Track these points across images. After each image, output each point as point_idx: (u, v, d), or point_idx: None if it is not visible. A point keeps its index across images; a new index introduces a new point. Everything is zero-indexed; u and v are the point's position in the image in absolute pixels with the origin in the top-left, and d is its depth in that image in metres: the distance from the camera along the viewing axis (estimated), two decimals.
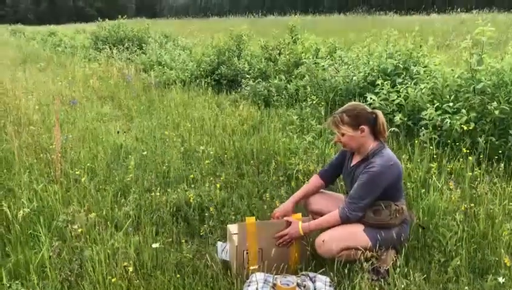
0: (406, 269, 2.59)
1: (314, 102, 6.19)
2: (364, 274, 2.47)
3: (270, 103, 7.09)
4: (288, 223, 2.79)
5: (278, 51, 8.91)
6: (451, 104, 4.59)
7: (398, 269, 2.56)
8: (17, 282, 2.63)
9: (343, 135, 2.77)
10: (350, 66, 6.63)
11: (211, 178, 4.04)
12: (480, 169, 3.80)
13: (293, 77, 7.74)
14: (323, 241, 2.67)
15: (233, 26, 11.62)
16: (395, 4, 40.65)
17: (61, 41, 19.47)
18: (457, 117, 4.40)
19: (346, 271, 2.59)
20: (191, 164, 4.49)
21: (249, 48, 10.10)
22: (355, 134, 2.74)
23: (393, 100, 5.18)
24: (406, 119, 4.92)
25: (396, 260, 2.65)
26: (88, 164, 4.33)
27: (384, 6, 36.51)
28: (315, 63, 7.36)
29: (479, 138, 4.20)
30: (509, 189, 3.49)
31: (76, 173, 4.07)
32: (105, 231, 3.05)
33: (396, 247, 2.72)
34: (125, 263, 2.69)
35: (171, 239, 3.17)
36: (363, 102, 5.17)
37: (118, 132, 5.60)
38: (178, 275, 2.70)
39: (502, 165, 3.81)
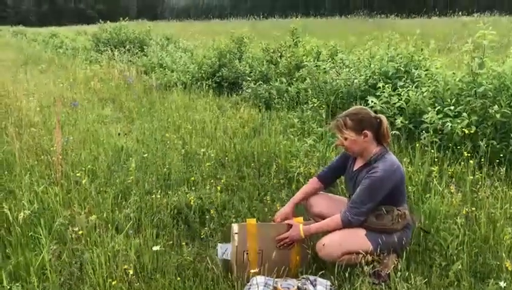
0: (407, 273, 2.58)
1: (315, 105, 6.19)
2: (365, 278, 2.46)
3: (271, 105, 7.09)
4: (289, 226, 2.78)
5: (279, 54, 8.91)
6: (452, 107, 4.59)
7: (399, 272, 2.55)
8: (17, 284, 2.62)
9: (346, 139, 2.76)
10: (351, 69, 6.63)
11: (212, 180, 4.03)
12: (481, 173, 3.80)
13: (294, 79, 7.74)
14: (323, 244, 2.66)
15: (235, 28, 11.63)
16: (397, 7, 40.67)
17: (63, 43, 19.53)
18: (459, 121, 4.39)
19: (347, 275, 2.58)
20: (191, 166, 4.49)
21: (250, 50, 10.11)
22: (358, 138, 2.73)
23: (395, 103, 5.17)
24: (407, 122, 4.91)
25: (397, 263, 2.65)
26: (89, 166, 4.32)
27: (386, 9, 36.51)
28: (316, 65, 7.36)
29: (480, 142, 4.19)
30: (510, 193, 3.47)
31: (77, 175, 4.06)
32: (106, 233, 3.04)
33: (398, 251, 2.71)
34: (126, 266, 2.69)
35: (171, 242, 3.16)
36: (364, 105, 5.17)
37: (119, 134, 5.60)
38: (178, 278, 2.70)
39: (503, 169, 3.80)
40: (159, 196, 3.68)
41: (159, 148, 4.98)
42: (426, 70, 5.82)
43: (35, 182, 3.88)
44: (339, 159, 3.07)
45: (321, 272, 2.62)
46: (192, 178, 4.10)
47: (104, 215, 3.43)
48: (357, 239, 2.64)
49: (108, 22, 18.36)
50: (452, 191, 3.41)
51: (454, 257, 2.78)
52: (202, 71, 9.27)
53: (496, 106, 4.31)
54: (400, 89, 5.31)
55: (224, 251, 2.95)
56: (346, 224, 2.65)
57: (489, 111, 4.36)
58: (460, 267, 2.65)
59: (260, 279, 2.51)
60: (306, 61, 7.49)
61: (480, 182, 3.65)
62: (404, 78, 5.72)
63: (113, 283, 2.58)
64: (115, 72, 10.40)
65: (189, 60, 10.56)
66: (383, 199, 2.64)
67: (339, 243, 2.62)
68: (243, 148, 4.85)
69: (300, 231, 2.72)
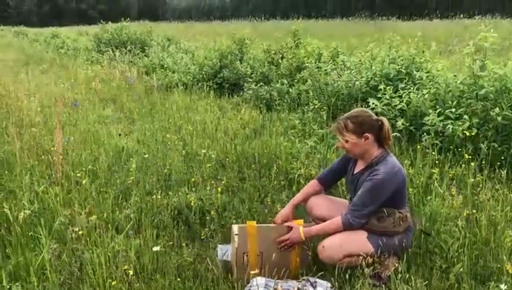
0: (407, 275, 2.57)
1: (316, 106, 6.19)
2: (366, 280, 2.46)
3: (272, 107, 7.09)
4: (290, 228, 2.78)
5: (281, 55, 8.92)
6: (453, 109, 4.58)
7: (399, 275, 2.54)
8: (17, 284, 2.62)
9: (347, 141, 2.75)
10: (352, 71, 6.63)
11: (212, 182, 4.03)
12: (482, 175, 3.79)
13: (296, 81, 7.75)
14: (323, 246, 2.66)
15: (236, 29, 11.66)
16: (398, 9, 40.70)
17: (64, 44, 19.55)
18: (460, 123, 4.39)
19: (347, 276, 2.58)
20: (192, 167, 4.49)
21: (252, 51, 10.11)
22: (359, 141, 2.72)
23: (396, 105, 5.17)
24: (408, 124, 4.91)
25: (398, 266, 2.64)
26: (89, 166, 4.32)
27: (387, 12, 36.52)
28: (317, 67, 7.37)
29: (481, 144, 4.19)
30: (511, 195, 3.47)
31: (78, 175, 4.06)
32: (106, 233, 3.04)
33: (398, 253, 2.71)
34: (126, 266, 2.69)
35: (171, 242, 3.16)
36: (365, 107, 5.17)
37: (120, 135, 5.61)
38: (178, 279, 2.70)
39: (504, 171, 3.79)
40: (159, 197, 3.67)
41: (159, 149, 4.98)
42: (427, 72, 5.81)
43: (35, 182, 3.88)
44: (339, 162, 3.07)
45: (321, 273, 2.61)
46: (193, 179, 4.10)
47: (105, 215, 3.42)
48: (358, 241, 2.64)
49: (109, 22, 18.39)
50: (453, 193, 3.41)
51: (455, 260, 2.78)
52: (203, 72, 9.28)
53: (497, 109, 4.31)
54: (401, 91, 5.31)
55: (225, 252, 2.95)
56: (347, 226, 2.64)
57: (491, 113, 4.36)
58: (461, 269, 2.64)
59: (261, 280, 2.51)
60: (307, 63, 7.50)
61: (481, 185, 3.64)
62: (405, 80, 5.72)
63: (113, 283, 2.57)
64: (116, 73, 10.41)
65: (190, 61, 10.56)
66: (385, 202, 2.64)
67: (339, 245, 2.61)
68: (243, 149, 4.85)
69: (300, 233, 2.71)
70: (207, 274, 2.77)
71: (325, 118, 5.95)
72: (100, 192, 3.84)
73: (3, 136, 5.37)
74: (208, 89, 8.61)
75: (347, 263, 2.62)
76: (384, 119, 2.75)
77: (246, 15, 45.49)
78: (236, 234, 2.73)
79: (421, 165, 4.10)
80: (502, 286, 2.46)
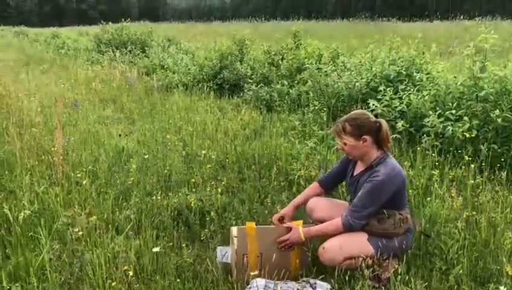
0: (407, 277, 2.57)
1: (316, 108, 6.19)
2: (365, 281, 2.46)
3: (272, 107, 7.09)
4: (289, 229, 2.78)
5: (281, 56, 8.92)
6: (453, 111, 4.58)
7: (399, 276, 2.54)
8: (17, 284, 2.62)
9: (345, 144, 2.76)
10: (353, 72, 6.63)
11: (212, 182, 4.03)
12: (482, 177, 3.79)
13: (296, 82, 7.75)
14: (323, 248, 2.66)
15: (236, 30, 11.68)
16: (398, 11, 40.71)
17: (65, 44, 19.56)
18: (460, 124, 4.39)
19: (347, 278, 2.58)
20: (192, 168, 4.49)
21: (252, 52, 10.12)
22: (357, 144, 2.72)
23: (396, 107, 5.17)
24: (408, 126, 4.91)
25: (397, 267, 2.64)
26: (89, 167, 4.33)
27: (387, 13, 36.56)
28: (318, 68, 7.37)
29: (481, 146, 4.19)
30: (511, 197, 3.47)
31: (78, 175, 4.06)
32: (106, 234, 3.04)
33: (398, 255, 2.71)
34: (126, 267, 2.69)
35: (171, 243, 3.16)
36: (365, 108, 5.18)
37: (120, 135, 5.61)
38: (178, 280, 2.70)
39: (504, 173, 3.80)
40: (159, 198, 3.67)
41: (159, 149, 4.99)
42: (427, 73, 5.82)
43: (35, 183, 3.89)
44: (339, 165, 3.07)
45: (321, 277, 2.61)
46: (193, 180, 4.10)
47: (105, 216, 3.43)
48: (359, 243, 2.63)
49: (110, 23, 18.43)
50: (453, 195, 3.41)
51: (455, 261, 2.78)
52: (203, 73, 9.28)
53: (497, 110, 4.31)
54: (401, 93, 5.32)
55: (224, 253, 2.95)
56: (347, 227, 2.64)
57: (491, 115, 4.36)
58: (460, 271, 2.64)
59: (260, 281, 2.51)
60: (307, 64, 7.50)
61: (481, 186, 3.64)
62: (405, 82, 5.72)
63: (113, 284, 2.58)
64: (116, 73, 10.41)
65: (191, 62, 10.57)
66: (385, 203, 2.64)
67: (340, 247, 2.61)
68: (243, 150, 4.85)
69: (300, 234, 2.71)
70: (207, 275, 2.77)
71: (325, 119, 5.96)
72: (100, 192, 3.84)
73: (4, 136, 5.37)
74: (208, 89, 8.61)
75: (347, 265, 2.62)
76: (383, 121, 2.75)
77: (246, 16, 45.51)
78: (235, 236, 2.73)
79: (421, 167, 4.11)
80: (502, 288, 2.46)
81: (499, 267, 2.74)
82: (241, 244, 2.70)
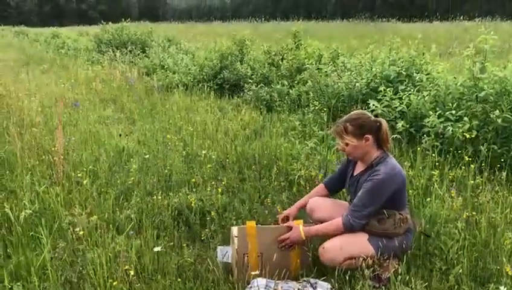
0: (407, 277, 2.58)
1: (316, 108, 6.20)
2: (366, 281, 2.46)
3: (272, 108, 7.10)
4: (289, 228, 2.79)
5: (281, 56, 8.93)
6: (453, 111, 4.59)
7: (399, 276, 2.55)
8: (18, 284, 2.63)
9: (347, 144, 2.76)
10: (353, 73, 6.64)
11: (213, 182, 4.04)
12: (482, 177, 3.80)
13: (296, 82, 7.76)
14: (324, 248, 2.66)
15: (236, 30, 11.69)
16: (398, 11, 40.70)
17: (65, 44, 19.56)
18: (460, 125, 4.40)
19: (347, 278, 2.58)
20: (192, 168, 4.49)
21: (252, 52, 10.12)
22: (360, 143, 2.73)
23: (396, 107, 5.18)
24: (408, 126, 4.92)
25: (397, 267, 2.65)
26: (90, 167, 4.33)
27: (387, 13, 36.53)
28: (318, 68, 7.38)
29: (481, 146, 4.20)
30: (511, 198, 3.48)
31: (78, 175, 4.07)
32: (107, 234, 3.05)
33: (399, 255, 2.71)
34: (127, 267, 2.69)
35: (172, 243, 3.17)
36: (365, 108, 5.18)
37: (120, 135, 5.62)
38: (179, 279, 2.70)
39: (504, 173, 3.80)
40: (160, 197, 3.68)
41: (160, 149, 4.99)
42: (427, 74, 5.83)
43: (36, 182, 3.89)
44: (341, 167, 3.09)
45: (323, 278, 2.62)
46: (193, 180, 4.10)
47: (105, 216, 3.43)
48: (359, 243, 2.64)
49: (110, 23, 18.42)
50: (453, 195, 3.42)
51: (455, 261, 2.79)
52: (204, 73, 9.29)
53: (497, 111, 4.32)
54: (401, 93, 5.33)
55: (225, 253, 2.95)
56: (348, 227, 2.64)
57: (491, 116, 4.37)
58: (460, 271, 2.65)
59: (261, 281, 2.52)
60: (307, 64, 7.51)
61: (480, 187, 3.65)
62: (405, 82, 5.73)
63: (114, 283, 2.58)
64: (116, 73, 10.41)
65: (191, 62, 10.57)
66: (385, 203, 2.64)
67: (340, 247, 2.62)
68: (243, 150, 4.86)
69: (300, 232, 2.72)
70: (207, 275, 2.77)
71: (325, 120, 5.97)
72: (101, 192, 3.85)
73: (4, 136, 5.37)
74: (208, 89, 8.62)
75: (348, 265, 2.62)
76: (383, 120, 2.76)
77: (246, 16, 45.49)
78: (236, 236, 2.74)
79: (421, 167, 4.11)
80: (502, 288, 2.47)
81: (498, 268, 2.74)
82: (241, 243, 2.70)
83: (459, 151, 4.32)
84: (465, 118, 4.44)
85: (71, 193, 3.80)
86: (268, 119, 6.24)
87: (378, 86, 5.73)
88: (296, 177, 4.04)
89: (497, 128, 4.37)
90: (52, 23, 48.08)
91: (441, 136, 4.52)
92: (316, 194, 3.13)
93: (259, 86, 7.66)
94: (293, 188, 3.96)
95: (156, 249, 2.88)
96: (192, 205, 3.57)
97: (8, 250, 3.04)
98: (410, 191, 3.64)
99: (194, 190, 3.94)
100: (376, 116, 2.84)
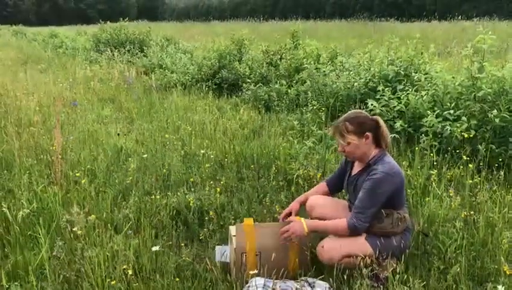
0: (405, 276, 2.58)
1: (315, 107, 6.20)
2: (364, 280, 2.46)
3: (270, 107, 7.10)
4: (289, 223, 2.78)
5: (279, 56, 8.93)
6: (451, 111, 4.60)
7: (397, 275, 2.55)
8: (16, 283, 2.63)
9: (348, 143, 2.76)
10: (351, 72, 6.65)
11: (211, 182, 4.04)
12: (480, 177, 3.80)
13: (294, 82, 7.76)
14: (322, 247, 2.66)
15: (235, 30, 11.66)
16: (397, 11, 40.72)
17: (63, 43, 19.52)
18: (458, 124, 4.41)
19: (345, 277, 2.58)
20: (191, 167, 4.49)
21: (250, 52, 10.12)
22: (361, 142, 2.73)
23: (394, 107, 5.19)
24: (406, 126, 4.93)
25: (396, 266, 2.65)
26: (88, 166, 4.33)
27: (386, 13, 36.57)
28: (316, 68, 7.38)
29: (479, 146, 4.20)
30: (509, 197, 3.49)
31: (76, 174, 4.07)
32: (105, 233, 3.04)
33: (397, 254, 2.71)
34: (125, 266, 2.69)
35: (170, 243, 3.17)
36: (363, 108, 5.19)
37: (118, 134, 5.61)
38: (177, 279, 2.70)
39: (502, 173, 3.81)
40: (158, 197, 3.68)
41: (158, 149, 4.99)
42: (426, 74, 5.84)
43: (34, 182, 3.89)
44: (340, 168, 3.09)
45: (321, 277, 2.62)
46: (192, 179, 4.10)
47: (103, 215, 3.43)
48: (357, 242, 2.64)
49: (108, 22, 18.38)
50: (451, 194, 3.43)
51: (453, 261, 2.79)
52: (202, 72, 9.28)
53: (495, 111, 4.32)
54: (399, 93, 5.33)
55: (223, 253, 2.95)
56: (353, 230, 2.62)
57: (489, 115, 4.37)
58: (458, 270, 2.65)
59: (259, 280, 2.52)
60: (306, 64, 7.50)
61: (479, 186, 3.66)
62: (403, 82, 5.74)
63: (112, 282, 2.58)
64: (114, 73, 10.39)
65: (189, 61, 10.57)
66: (384, 202, 2.64)
67: (338, 246, 2.61)
68: (242, 150, 4.85)
69: (303, 225, 2.70)
70: (206, 274, 2.78)
71: (323, 119, 5.97)
72: (99, 192, 3.85)
73: (2, 135, 5.36)
74: (206, 89, 8.61)
75: (346, 264, 2.62)
76: (379, 118, 2.77)
77: (244, 15, 45.44)
78: (233, 235, 2.73)
79: (419, 167, 4.12)
80: (500, 287, 2.47)
81: (496, 267, 2.75)
82: (239, 242, 2.70)
83: (457, 151, 4.33)
84: (463, 118, 4.45)
85: (69, 193, 3.80)
86: (266, 119, 6.24)
87: (377, 85, 5.74)
88: (295, 176, 4.04)
89: (495, 127, 4.38)
90: (51, 23, 48.00)
91: (439, 135, 4.53)
92: (316, 192, 3.13)
93: (257, 86, 7.66)
94: (291, 187, 3.96)
95: (154, 248, 2.88)
96: (191, 204, 3.57)
97: (6, 249, 3.04)
98: (409, 191, 3.64)
99: (192, 189, 3.94)
100: (374, 115, 2.84)
